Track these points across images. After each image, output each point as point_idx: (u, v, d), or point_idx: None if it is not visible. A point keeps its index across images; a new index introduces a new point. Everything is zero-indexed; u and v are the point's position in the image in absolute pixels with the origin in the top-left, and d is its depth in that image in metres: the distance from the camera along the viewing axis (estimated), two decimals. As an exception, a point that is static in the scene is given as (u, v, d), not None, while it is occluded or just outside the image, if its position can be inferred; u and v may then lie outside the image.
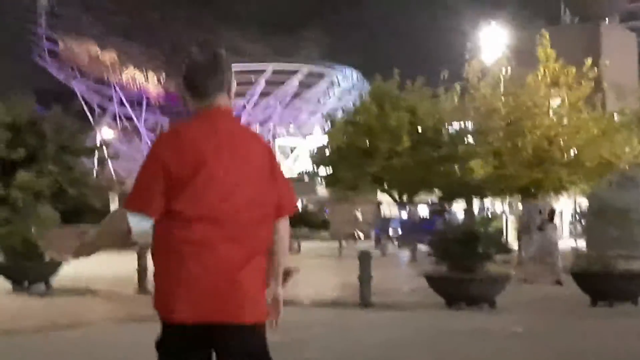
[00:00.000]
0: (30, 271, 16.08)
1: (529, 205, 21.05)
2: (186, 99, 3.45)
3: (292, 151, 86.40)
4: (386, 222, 34.85)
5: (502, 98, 30.55)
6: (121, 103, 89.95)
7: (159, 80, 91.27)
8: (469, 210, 12.28)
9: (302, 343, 9.37)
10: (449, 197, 15.07)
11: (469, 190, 12.99)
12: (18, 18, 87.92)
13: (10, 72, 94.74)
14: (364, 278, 12.91)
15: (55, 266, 16.25)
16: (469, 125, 32.45)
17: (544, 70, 30.30)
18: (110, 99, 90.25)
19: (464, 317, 11.74)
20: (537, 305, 13.58)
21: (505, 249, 12.94)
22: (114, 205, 33.12)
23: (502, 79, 31.75)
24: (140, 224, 3.20)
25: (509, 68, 32.62)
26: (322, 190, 47.37)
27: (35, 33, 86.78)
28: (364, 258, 13.01)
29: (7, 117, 31.25)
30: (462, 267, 12.48)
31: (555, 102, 30.86)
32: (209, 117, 3.31)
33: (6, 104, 32.79)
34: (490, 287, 12.63)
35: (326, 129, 47.55)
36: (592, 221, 13.89)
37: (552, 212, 18.93)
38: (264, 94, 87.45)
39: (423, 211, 39.56)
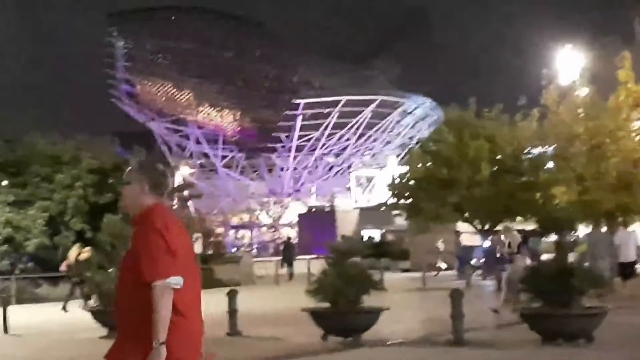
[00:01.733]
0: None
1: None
2: (145, 192, 4.36)
3: (368, 182, 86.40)
4: (469, 251, 34.43)
5: (583, 122, 30.07)
6: (198, 141, 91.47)
7: (234, 117, 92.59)
8: (560, 244, 12.05)
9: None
10: (541, 231, 14.92)
11: (560, 223, 12.83)
12: (97, 64, 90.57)
13: (92, 117, 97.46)
14: (457, 315, 12.80)
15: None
16: (549, 150, 31.99)
17: (626, 92, 29.75)
18: (188, 138, 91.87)
19: (564, 354, 11.53)
20: (635, 338, 13.24)
21: (600, 282, 12.66)
22: (197, 245, 33.57)
23: (581, 103, 31.27)
24: (179, 282, 4.12)
25: (588, 91, 32.11)
26: (400, 221, 47.14)
27: (114, 77, 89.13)
28: (456, 295, 12.91)
29: (94, 162, 32.20)
30: (557, 302, 12.27)
31: (638, 124, 30.22)
32: (170, 210, 4.45)
33: (91, 148, 33.86)
34: (587, 322, 12.38)
35: (402, 159, 47.51)
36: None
37: (520, 245, 19.00)
38: (338, 126, 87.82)
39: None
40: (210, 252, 38.47)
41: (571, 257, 16.31)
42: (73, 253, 25.13)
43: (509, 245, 28.55)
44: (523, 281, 12.90)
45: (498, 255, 29.59)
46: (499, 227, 33.44)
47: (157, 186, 4.37)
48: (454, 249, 35.81)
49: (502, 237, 29.43)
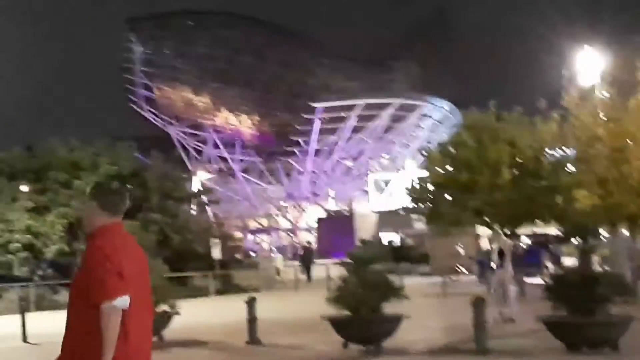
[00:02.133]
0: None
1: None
2: (98, 212, 4.50)
3: (386, 185, 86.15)
4: (489, 255, 34.11)
5: (604, 125, 29.70)
6: (216, 146, 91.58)
7: (252, 121, 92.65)
8: (584, 250, 11.77)
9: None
10: (565, 237, 14.80)
11: (584, 229, 12.59)
12: (116, 69, 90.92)
13: (111, 122, 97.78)
14: (479, 324, 12.60)
15: (167, 319, 16.44)
16: (570, 152, 31.64)
17: (648, 93, 29.35)
18: (206, 143, 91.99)
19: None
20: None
21: (625, 290, 12.41)
22: (215, 250, 33.48)
23: (602, 105, 30.91)
24: (125, 303, 4.26)
25: (609, 93, 31.75)
26: (419, 225, 46.89)
27: (132, 82, 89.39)
28: (479, 303, 12.70)
29: (112, 168, 32.22)
30: (581, 310, 12.04)
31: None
32: (121, 230, 4.53)
33: (110, 154, 33.87)
34: (612, 330, 12.15)
35: (421, 163, 47.14)
36: None
37: (501, 252, 18.93)
38: (356, 129, 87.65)
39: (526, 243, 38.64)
40: (238, 256, 38.39)
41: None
42: None
43: (501, 254, 27.92)
44: (547, 288, 12.66)
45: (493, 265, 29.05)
46: (526, 231, 33.05)
47: (110, 206, 4.54)
48: (474, 253, 35.55)
49: (492, 245, 28.91)
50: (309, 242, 52.14)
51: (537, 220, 32.35)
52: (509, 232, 31.73)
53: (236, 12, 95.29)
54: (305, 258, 42.29)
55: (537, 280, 32.08)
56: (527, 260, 32.32)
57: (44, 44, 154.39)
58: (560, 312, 12.40)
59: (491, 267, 33.65)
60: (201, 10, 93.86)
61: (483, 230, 35.67)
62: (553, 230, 35.18)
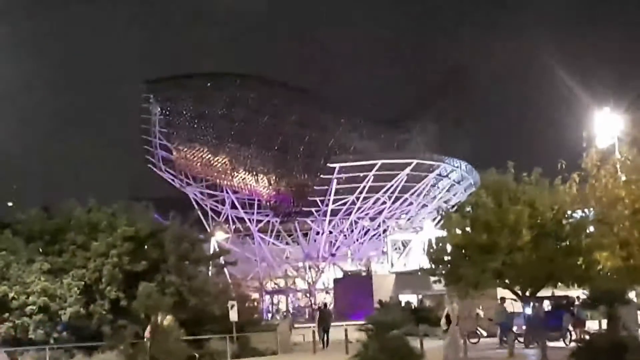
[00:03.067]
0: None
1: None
2: None
3: (404, 246, 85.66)
4: (510, 318, 33.62)
5: (625, 186, 29.39)
6: (233, 206, 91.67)
7: (269, 181, 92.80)
8: (612, 315, 11.46)
9: None
10: (590, 304, 14.49)
11: (612, 294, 12.28)
12: (134, 130, 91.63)
13: (129, 182, 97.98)
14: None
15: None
16: (590, 213, 31.31)
17: (668, 154, 29.10)
18: (223, 203, 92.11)
19: None
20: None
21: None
22: (232, 312, 33.16)
23: (622, 166, 30.65)
24: None
25: (629, 154, 31.50)
26: (437, 286, 46.41)
27: (150, 143, 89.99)
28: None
29: (129, 229, 32.14)
30: (610, 378, 11.69)
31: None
32: None
33: (127, 215, 33.82)
34: (642, 399, 11.76)
35: (439, 223, 46.87)
36: None
37: (448, 316, 18.60)
38: (373, 189, 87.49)
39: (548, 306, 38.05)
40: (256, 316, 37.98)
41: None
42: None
43: (448, 319, 27.14)
44: (573, 354, 12.33)
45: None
46: (543, 293, 32.51)
47: None
48: (495, 315, 35.03)
49: (447, 307, 28.25)
50: (325, 304, 51.60)
51: (558, 282, 31.98)
52: (529, 294, 31.33)
53: (251, 73, 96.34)
54: (322, 320, 41.72)
55: (560, 343, 31.52)
56: (549, 323, 31.81)
57: (61, 103, 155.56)
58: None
59: (511, 330, 33.22)
60: (218, 72, 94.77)
61: (503, 293, 35.22)
62: (575, 292, 34.70)
